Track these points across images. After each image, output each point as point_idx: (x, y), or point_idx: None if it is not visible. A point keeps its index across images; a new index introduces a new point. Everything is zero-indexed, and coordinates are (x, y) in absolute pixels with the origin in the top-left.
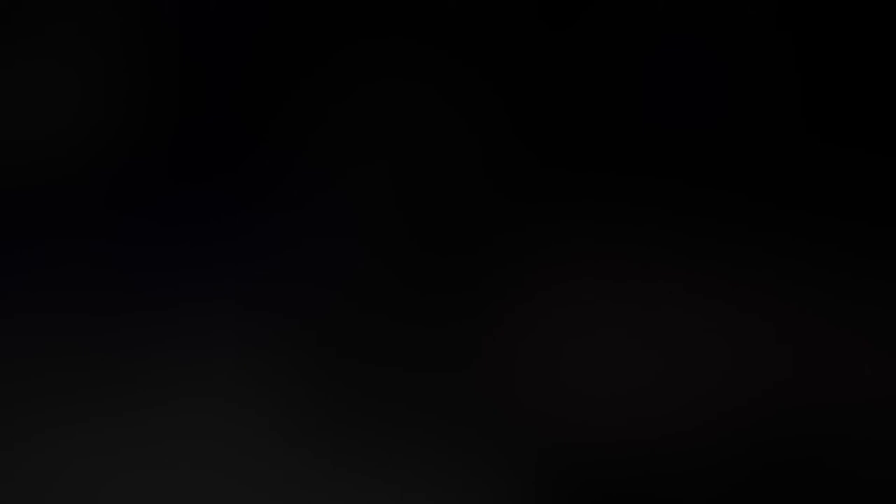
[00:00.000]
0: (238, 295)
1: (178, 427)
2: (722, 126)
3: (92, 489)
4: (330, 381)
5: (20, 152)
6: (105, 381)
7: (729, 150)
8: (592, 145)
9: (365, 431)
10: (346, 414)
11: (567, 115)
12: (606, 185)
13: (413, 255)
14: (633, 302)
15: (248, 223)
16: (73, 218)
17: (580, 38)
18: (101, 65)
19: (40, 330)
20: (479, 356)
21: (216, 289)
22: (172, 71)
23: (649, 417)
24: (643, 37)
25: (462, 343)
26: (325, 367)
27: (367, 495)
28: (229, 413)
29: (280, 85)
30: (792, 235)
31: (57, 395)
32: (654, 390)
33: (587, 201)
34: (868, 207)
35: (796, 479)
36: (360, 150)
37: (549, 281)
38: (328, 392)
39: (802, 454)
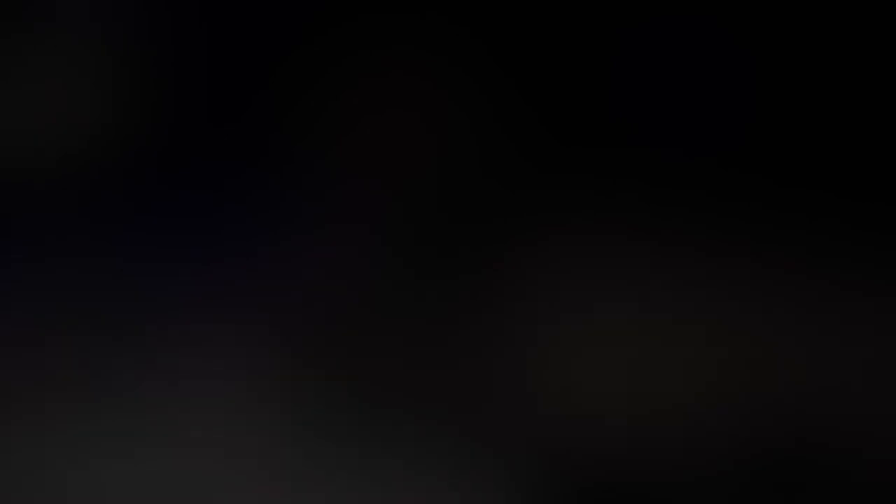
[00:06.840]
0: (239, 294)
1: (181, 425)
2: (722, 125)
3: (92, 489)
4: (332, 379)
5: (19, 152)
6: (105, 380)
7: (730, 148)
8: (592, 141)
9: (368, 430)
10: (349, 412)
11: (567, 112)
12: (606, 182)
13: (412, 253)
14: (639, 300)
15: (249, 222)
16: (74, 218)
17: (578, 34)
18: (102, 65)
19: (42, 329)
20: (481, 355)
21: (218, 288)
22: (173, 71)
23: (654, 417)
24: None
25: (465, 341)
26: (326, 365)
27: (370, 495)
28: (232, 412)
29: (282, 83)
30: (801, 234)
31: (58, 394)
32: (658, 389)
33: (589, 199)
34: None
35: (802, 485)
36: (358, 148)
37: (553, 279)
38: (330, 390)
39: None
